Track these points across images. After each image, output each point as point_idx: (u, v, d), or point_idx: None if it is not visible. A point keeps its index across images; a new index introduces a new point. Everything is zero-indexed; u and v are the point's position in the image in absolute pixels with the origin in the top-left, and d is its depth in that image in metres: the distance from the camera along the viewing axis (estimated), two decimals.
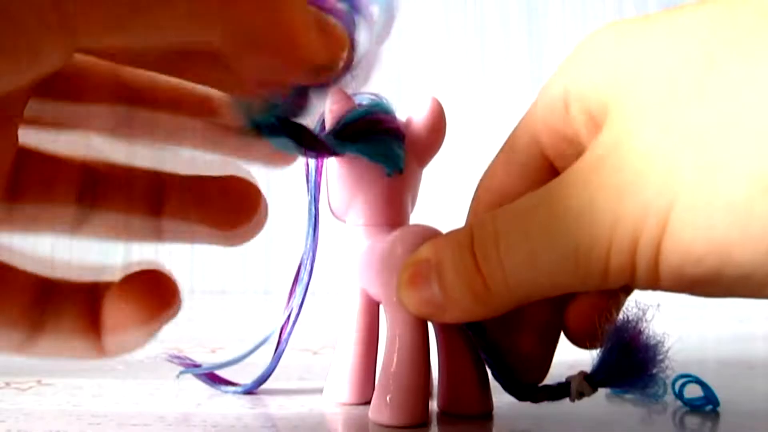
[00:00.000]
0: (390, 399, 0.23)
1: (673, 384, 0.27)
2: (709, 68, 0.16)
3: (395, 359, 0.23)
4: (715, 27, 0.17)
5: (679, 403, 0.26)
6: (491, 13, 0.92)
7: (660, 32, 0.18)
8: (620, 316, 0.21)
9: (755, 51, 0.16)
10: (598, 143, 0.18)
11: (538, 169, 0.23)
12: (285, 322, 0.27)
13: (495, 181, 0.24)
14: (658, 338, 0.20)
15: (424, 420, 0.23)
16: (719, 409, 0.26)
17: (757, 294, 0.16)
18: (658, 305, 0.20)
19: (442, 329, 0.24)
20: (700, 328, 0.49)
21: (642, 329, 0.20)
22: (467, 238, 0.20)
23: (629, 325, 0.20)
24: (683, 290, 0.17)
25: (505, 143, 0.24)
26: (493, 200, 0.24)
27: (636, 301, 0.20)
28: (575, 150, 0.21)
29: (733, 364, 0.35)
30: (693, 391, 0.26)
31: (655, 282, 0.17)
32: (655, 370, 0.20)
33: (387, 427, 0.23)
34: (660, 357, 0.20)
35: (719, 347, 0.42)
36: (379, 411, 0.23)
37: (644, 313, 0.20)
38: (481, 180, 0.25)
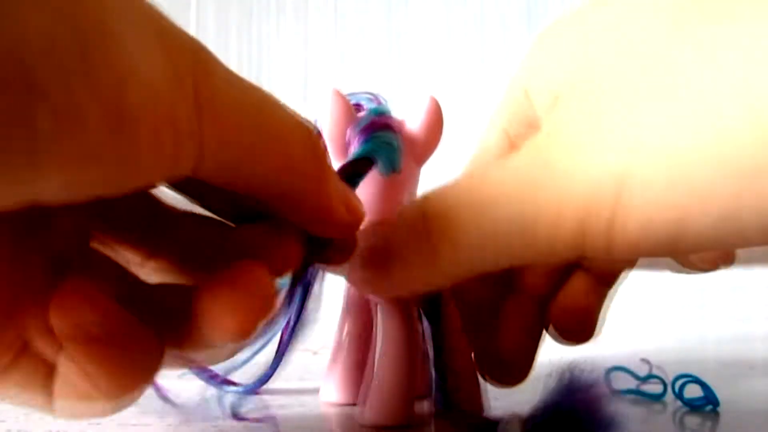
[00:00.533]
0: (376, 399, 0.23)
1: (673, 384, 0.27)
2: (671, 35, 0.16)
3: (382, 359, 0.23)
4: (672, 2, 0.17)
5: (679, 403, 0.26)
6: (491, 13, 0.92)
7: (612, 13, 0.18)
8: (578, 371, 0.19)
9: (719, 15, 0.15)
10: (552, 118, 0.18)
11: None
12: (287, 323, 0.27)
13: None
14: (614, 417, 0.18)
15: (406, 421, 0.23)
16: (719, 409, 0.26)
17: (712, 248, 0.16)
18: (644, 347, 0.19)
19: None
20: (700, 328, 0.49)
21: (592, 396, 0.18)
22: (420, 207, 0.20)
23: (582, 386, 0.18)
24: (635, 256, 0.17)
25: (480, 139, 0.24)
26: None
27: (596, 365, 0.19)
28: None
29: (733, 364, 0.35)
30: (693, 391, 0.26)
31: (608, 252, 0.17)
32: None
33: (374, 427, 0.23)
34: (602, 428, 0.18)
35: (719, 347, 0.42)
36: (361, 411, 0.23)
37: (599, 379, 0.19)
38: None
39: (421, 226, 0.20)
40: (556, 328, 0.23)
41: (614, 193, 0.16)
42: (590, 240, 0.17)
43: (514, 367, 0.23)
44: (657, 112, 0.16)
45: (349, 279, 0.23)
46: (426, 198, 0.21)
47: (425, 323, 0.23)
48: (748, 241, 0.15)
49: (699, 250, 0.16)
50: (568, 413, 0.18)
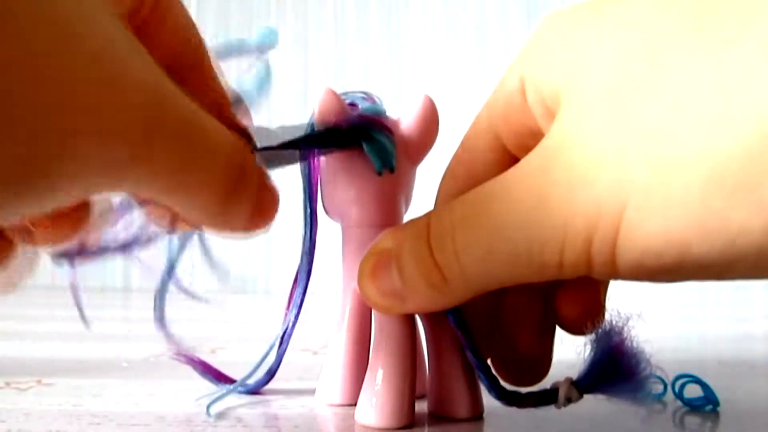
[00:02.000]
0: (375, 401, 0.23)
1: (673, 384, 0.27)
2: (652, 61, 0.16)
3: (381, 360, 0.23)
4: (658, 16, 0.17)
5: (679, 403, 0.26)
6: (491, 12, 0.92)
7: (608, 21, 0.18)
8: (605, 323, 0.21)
9: (695, 41, 0.16)
10: (550, 136, 0.18)
11: (500, 164, 0.22)
12: (287, 324, 0.28)
13: (458, 183, 0.24)
14: (641, 345, 0.20)
15: (409, 422, 0.23)
16: (719, 409, 0.26)
17: (719, 278, 0.16)
18: (640, 315, 0.20)
19: (433, 330, 0.24)
20: (700, 328, 0.49)
21: (627, 336, 0.20)
22: (424, 228, 0.20)
23: (615, 332, 0.20)
24: (641, 279, 0.17)
25: (463, 142, 0.24)
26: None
27: (618, 310, 0.21)
28: (537, 141, 0.20)
29: (733, 364, 0.35)
30: (693, 391, 0.26)
31: (613, 274, 0.17)
32: (642, 376, 0.20)
33: (372, 428, 0.23)
34: (645, 363, 0.20)
35: (719, 347, 0.42)
36: (364, 412, 0.23)
37: (628, 321, 0.20)
38: (442, 182, 0.25)
39: (429, 258, 0.20)
40: (564, 319, 0.23)
41: (615, 218, 0.16)
42: (595, 263, 0.17)
43: (534, 365, 0.23)
44: (655, 129, 0.16)
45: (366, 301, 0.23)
46: (429, 222, 0.21)
47: (452, 324, 0.23)
48: (753, 267, 0.15)
49: (707, 276, 0.16)
50: (611, 364, 0.20)
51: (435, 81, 0.90)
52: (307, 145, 0.23)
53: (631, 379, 0.20)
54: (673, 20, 0.16)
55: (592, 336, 0.21)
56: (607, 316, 0.21)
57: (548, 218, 0.17)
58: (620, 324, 0.20)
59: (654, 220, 0.16)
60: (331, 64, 0.93)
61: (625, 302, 0.23)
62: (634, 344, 0.20)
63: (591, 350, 0.21)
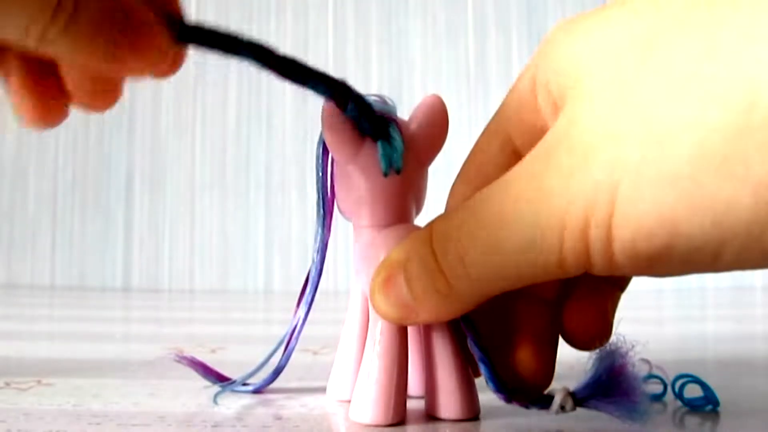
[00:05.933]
0: (365, 398, 0.23)
1: (673, 384, 0.27)
2: (650, 47, 0.17)
3: (372, 357, 0.23)
4: (660, 6, 0.17)
5: (679, 403, 0.26)
6: (491, 12, 0.92)
7: (612, 17, 0.18)
8: (611, 343, 0.21)
9: (689, 24, 0.16)
10: (553, 129, 0.18)
11: (511, 166, 0.22)
12: (296, 322, 0.28)
13: (470, 185, 0.24)
14: (641, 373, 0.21)
15: (400, 419, 0.23)
16: (719, 409, 0.26)
17: (712, 268, 0.16)
18: (647, 342, 0.21)
19: (428, 331, 0.24)
20: (700, 328, 0.49)
21: (630, 360, 0.21)
22: (428, 235, 0.20)
23: (620, 353, 0.21)
24: (640, 270, 0.17)
25: (476, 144, 0.24)
26: None
27: (624, 336, 0.21)
28: None
29: (733, 364, 0.35)
30: (693, 391, 0.26)
31: (611, 262, 0.17)
32: (638, 401, 0.20)
33: (365, 426, 0.23)
34: (643, 389, 0.21)
35: (719, 347, 0.42)
36: (355, 409, 0.23)
37: (633, 347, 0.21)
38: (454, 185, 0.25)
39: (433, 264, 0.20)
40: (571, 334, 0.23)
41: (610, 199, 0.16)
42: (593, 251, 0.17)
43: (533, 378, 0.23)
44: (647, 109, 0.16)
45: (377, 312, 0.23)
46: (432, 229, 0.21)
47: (458, 324, 0.23)
48: (743, 250, 0.15)
49: (699, 262, 0.16)
50: (609, 381, 0.21)
51: (435, 81, 0.90)
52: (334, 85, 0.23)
53: (626, 401, 0.20)
54: (673, 9, 0.17)
55: (597, 352, 0.21)
56: (613, 338, 0.21)
57: (548, 207, 0.17)
58: (626, 347, 0.21)
59: (645, 198, 0.16)
60: (331, 64, 0.93)
61: (626, 302, 0.23)
62: (636, 370, 0.21)
63: (593, 366, 0.21)
